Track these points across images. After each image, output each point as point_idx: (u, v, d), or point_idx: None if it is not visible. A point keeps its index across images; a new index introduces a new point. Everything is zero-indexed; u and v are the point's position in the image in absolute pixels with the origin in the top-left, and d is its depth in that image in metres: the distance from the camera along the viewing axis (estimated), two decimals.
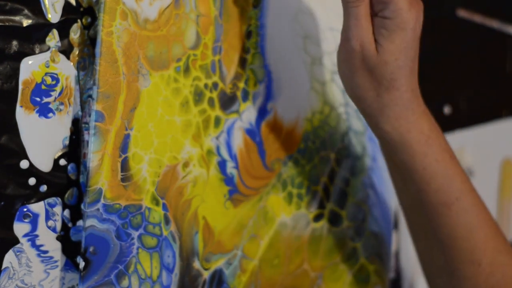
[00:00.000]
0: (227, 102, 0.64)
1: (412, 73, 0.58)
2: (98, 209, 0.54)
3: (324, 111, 0.71)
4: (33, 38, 0.54)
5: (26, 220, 0.54)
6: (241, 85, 0.65)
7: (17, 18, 0.53)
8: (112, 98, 0.55)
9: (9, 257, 0.53)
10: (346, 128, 0.73)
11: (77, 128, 0.56)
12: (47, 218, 0.55)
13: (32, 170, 0.54)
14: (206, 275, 0.62)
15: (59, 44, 0.55)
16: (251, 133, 0.65)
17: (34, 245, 0.54)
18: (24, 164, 0.54)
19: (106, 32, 0.55)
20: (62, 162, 0.56)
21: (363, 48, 0.57)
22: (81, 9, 0.56)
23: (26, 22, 0.53)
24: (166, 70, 0.59)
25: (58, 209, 0.56)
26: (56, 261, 0.56)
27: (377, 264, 0.75)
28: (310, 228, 0.70)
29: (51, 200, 0.55)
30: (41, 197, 0.55)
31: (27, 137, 0.53)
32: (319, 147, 0.71)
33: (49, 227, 0.55)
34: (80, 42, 0.56)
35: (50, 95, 0.54)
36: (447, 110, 0.92)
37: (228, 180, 0.63)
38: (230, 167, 0.64)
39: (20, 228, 0.54)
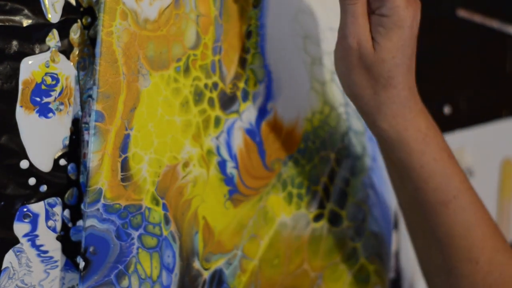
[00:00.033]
0: (227, 102, 0.64)
1: (409, 71, 0.58)
2: (98, 209, 0.54)
3: (324, 111, 0.71)
4: (33, 38, 0.54)
5: (26, 220, 0.54)
6: (241, 85, 0.65)
7: (17, 18, 0.53)
8: (112, 98, 0.55)
9: (9, 257, 0.53)
10: (346, 128, 0.73)
11: (77, 128, 0.56)
12: (47, 218, 0.55)
13: (32, 170, 0.54)
14: (206, 275, 0.62)
15: (59, 44, 0.55)
16: (251, 133, 0.65)
17: (34, 245, 0.54)
18: (24, 164, 0.54)
19: (106, 32, 0.55)
20: (62, 162, 0.56)
21: (360, 46, 0.57)
22: (81, 9, 0.56)
23: (26, 22, 0.53)
24: (166, 70, 0.59)
25: (58, 209, 0.56)
26: (56, 261, 0.56)
27: (377, 264, 0.75)
28: (310, 228, 0.70)
29: (51, 200, 0.55)
30: (41, 197, 0.55)
31: (27, 137, 0.53)
32: (319, 147, 0.71)
33: (49, 227, 0.55)
34: (80, 42, 0.56)
35: (50, 95, 0.55)
36: (447, 110, 0.92)
37: (228, 180, 0.63)
38: (230, 167, 0.64)
39: (20, 228, 0.54)
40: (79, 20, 0.56)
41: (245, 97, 0.65)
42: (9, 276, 0.53)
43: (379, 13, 0.57)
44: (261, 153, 0.66)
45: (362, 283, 0.74)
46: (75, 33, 0.56)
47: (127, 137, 0.56)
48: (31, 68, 0.53)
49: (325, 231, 0.71)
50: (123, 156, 0.56)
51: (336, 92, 0.72)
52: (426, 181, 0.60)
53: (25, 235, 0.54)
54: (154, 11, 0.58)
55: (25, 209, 0.54)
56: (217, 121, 0.63)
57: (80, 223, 0.56)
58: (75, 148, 0.56)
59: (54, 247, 0.55)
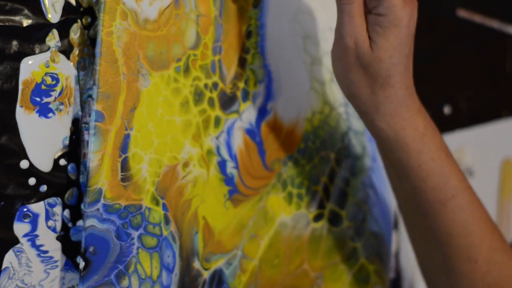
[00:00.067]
0: (227, 102, 0.64)
1: (407, 70, 0.58)
2: (98, 209, 0.54)
3: (324, 111, 0.71)
4: (33, 38, 0.54)
5: (26, 220, 0.54)
6: (241, 85, 0.65)
7: (17, 18, 0.53)
8: (112, 98, 0.55)
9: (9, 257, 0.53)
10: (346, 128, 0.73)
11: (77, 128, 0.56)
12: (47, 218, 0.55)
13: (32, 170, 0.54)
14: (206, 275, 0.62)
15: (59, 44, 0.55)
16: (251, 133, 0.65)
17: (34, 245, 0.54)
18: (24, 164, 0.53)
19: (106, 32, 0.55)
20: (62, 162, 0.56)
21: (357, 46, 0.57)
22: (81, 9, 0.56)
23: (26, 22, 0.53)
24: (166, 70, 0.59)
25: (58, 209, 0.56)
26: (56, 261, 0.56)
27: (377, 264, 0.75)
28: (310, 228, 0.70)
29: (51, 200, 0.55)
30: (41, 197, 0.55)
31: (27, 137, 0.53)
32: (319, 147, 0.71)
33: (49, 227, 0.55)
34: (80, 42, 0.56)
35: (50, 95, 0.55)
36: (447, 110, 0.92)
37: (228, 180, 0.63)
38: (230, 167, 0.64)
39: (20, 228, 0.54)
40: (79, 20, 0.56)
41: (245, 97, 0.65)
42: (9, 276, 0.53)
43: (375, 13, 0.57)
44: (261, 153, 0.66)
45: (362, 283, 0.74)
46: (75, 33, 0.56)
47: (127, 137, 0.56)
48: (31, 68, 0.53)
49: (325, 231, 0.71)
50: (123, 156, 0.56)
51: (336, 92, 0.72)
52: (424, 180, 0.60)
53: (25, 235, 0.54)
54: (154, 11, 0.58)
55: (25, 209, 0.54)
56: (217, 121, 0.63)
57: (80, 223, 0.56)
58: (75, 148, 0.56)
59: (54, 247, 0.55)
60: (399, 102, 0.58)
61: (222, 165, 0.63)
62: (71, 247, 0.56)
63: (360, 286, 0.74)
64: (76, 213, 0.56)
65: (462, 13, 0.93)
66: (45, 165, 0.55)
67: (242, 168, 0.64)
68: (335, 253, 0.72)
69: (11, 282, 0.53)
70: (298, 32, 0.69)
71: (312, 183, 0.70)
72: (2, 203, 0.53)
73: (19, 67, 0.53)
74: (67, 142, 0.56)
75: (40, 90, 0.54)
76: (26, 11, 0.53)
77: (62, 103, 0.55)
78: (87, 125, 0.56)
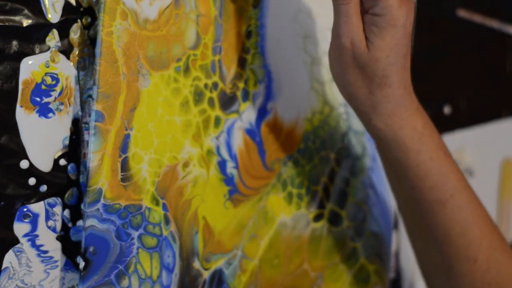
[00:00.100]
0: (227, 102, 0.64)
1: (404, 70, 0.58)
2: (98, 209, 0.54)
3: (324, 111, 0.71)
4: (33, 38, 0.54)
5: (26, 220, 0.54)
6: (241, 85, 0.65)
7: (17, 18, 0.53)
8: (112, 98, 0.55)
9: (9, 257, 0.53)
10: (346, 128, 0.73)
11: (77, 128, 0.56)
12: (47, 218, 0.55)
13: (32, 170, 0.54)
14: (206, 275, 0.62)
15: (59, 44, 0.55)
16: (251, 133, 0.65)
17: (34, 245, 0.54)
18: (24, 164, 0.54)
19: (106, 32, 0.55)
20: (62, 162, 0.56)
21: (354, 46, 0.57)
22: (81, 9, 0.56)
23: (26, 22, 0.53)
24: (166, 70, 0.59)
25: (58, 209, 0.56)
26: (56, 261, 0.56)
27: (377, 264, 0.75)
28: (310, 228, 0.70)
29: (51, 200, 0.55)
30: (41, 197, 0.55)
31: (27, 137, 0.53)
32: (319, 147, 0.71)
33: (49, 227, 0.55)
34: (80, 42, 0.56)
35: (50, 95, 0.55)
36: (447, 110, 0.92)
37: (228, 180, 0.63)
38: (230, 167, 0.64)
39: (20, 228, 0.54)
40: (79, 20, 0.56)
41: (245, 97, 0.65)
42: (9, 276, 0.53)
43: (372, 13, 0.57)
44: (261, 153, 0.66)
45: (362, 283, 0.74)
46: (75, 33, 0.56)
47: (127, 137, 0.56)
48: (31, 68, 0.53)
49: (325, 231, 0.71)
50: (123, 156, 0.56)
51: (336, 92, 0.72)
52: (422, 179, 0.60)
53: (25, 235, 0.54)
54: (154, 11, 0.58)
55: (25, 209, 0.54)
56: (217, 121, 0.63)
57: (80, 223, 0.56)
58: (75, 148, 0.56)
59: (54, 247, 0.55)
60: (396, 102, 0.58)
61: (222, 165, 0.63)
62: (71, 247, 0.56)
63: (360, 286, 0.74)
64: (76, 213, 0.56)
65: (462, 13, 0.93)
66: (45, 165, 0.55)
67: (242, 168, 0.64)
68: (335, 253, 0.72)
69: (11, 282, 0.53)
70: (298, 32, 0.69)
71: (312, 183, 0.70)
72: (2, 203, 0.53)
73: (19, 67, 0.53)
74: (67, 142, 0.56)
75: (40, 90, 0.54)
76: (26, 11, 0.53)
77: (62, 103, 0.55)
78: (87, 125, 0.56)
